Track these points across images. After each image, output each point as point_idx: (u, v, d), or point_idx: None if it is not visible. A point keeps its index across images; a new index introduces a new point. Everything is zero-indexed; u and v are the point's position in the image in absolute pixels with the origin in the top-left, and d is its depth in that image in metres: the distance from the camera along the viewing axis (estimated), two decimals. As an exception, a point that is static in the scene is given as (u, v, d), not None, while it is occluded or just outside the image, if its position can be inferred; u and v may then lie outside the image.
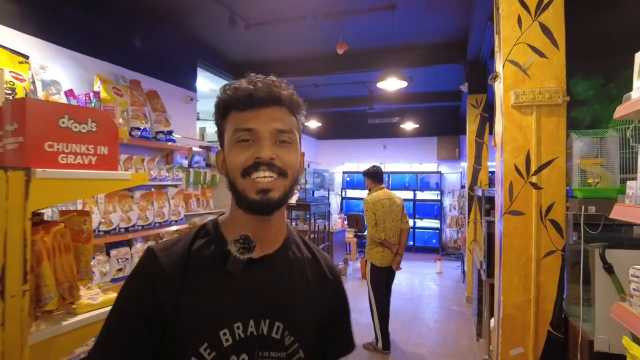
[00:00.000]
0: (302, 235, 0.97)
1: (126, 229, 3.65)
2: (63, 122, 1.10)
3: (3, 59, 2.65)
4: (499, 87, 2.21)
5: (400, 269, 4.13)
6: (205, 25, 4.92)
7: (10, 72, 2.63)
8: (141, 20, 4.47)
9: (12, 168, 0.90)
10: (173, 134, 4.35)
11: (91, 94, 3.40)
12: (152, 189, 4.07)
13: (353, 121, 10.01)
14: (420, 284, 6.89)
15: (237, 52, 5.93)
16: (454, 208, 7.98)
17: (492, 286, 3.55)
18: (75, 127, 1.13)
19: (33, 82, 2.91)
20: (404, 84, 5.02)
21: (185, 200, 4.61)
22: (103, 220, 3.43)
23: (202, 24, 4.91)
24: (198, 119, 7.99)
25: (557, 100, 1.99)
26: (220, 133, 0.85)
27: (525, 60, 2.05)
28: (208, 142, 6.25)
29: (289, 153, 0.81)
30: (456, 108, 8.64)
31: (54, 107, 1.25)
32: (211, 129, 9.19)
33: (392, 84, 4.99)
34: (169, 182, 4.31)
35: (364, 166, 10.08)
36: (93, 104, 3.36)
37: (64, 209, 2.09)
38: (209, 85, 6.90)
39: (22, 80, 2.68)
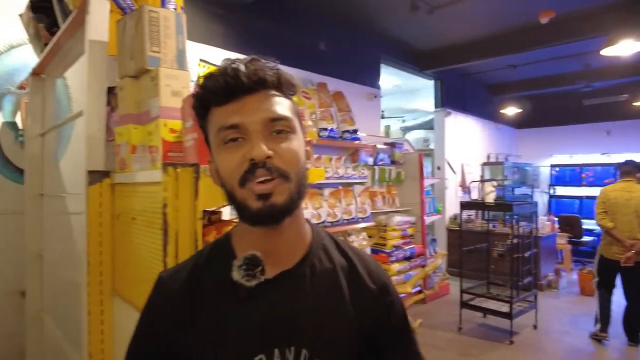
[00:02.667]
0: (336, 238, 0.80)
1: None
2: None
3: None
4: None
5: (629, 264, 3.77)
6: (386, 16, 4.78)
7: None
8: (324, 23, 4.62)
9: (181, 165, 0.86)
10: (358, 133, 4.36)
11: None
12: (340, 187, 4.15)
13: (562, 104, 8.37)
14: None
15: (420, 41, 5.62)
16: None
17: None
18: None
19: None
20: (642, 45, 3.83)
21: (371, 198, 4.57)
22: (296, 217, 3.63)
23: (383, 16, 4.78)
24: (382, 117, 8.01)
25: None
26: (206, 137, 0.71)
27: None
28: (393, 139, 6.13)
29: (289, 145, 0.65)
30: None
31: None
32: (395, 126, 9.11)
33: (624, 48, 3.86)
34: (355, 180, 4.33)
35: (578, 158, 8.48)
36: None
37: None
38: (392, 81, 6.78)
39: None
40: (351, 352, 0.71)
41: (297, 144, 0.66)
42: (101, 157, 1.35)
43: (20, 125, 2.49)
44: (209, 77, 0.66)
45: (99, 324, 1.29)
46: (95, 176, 1.31)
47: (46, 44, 1.93)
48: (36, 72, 2.18)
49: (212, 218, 1.07)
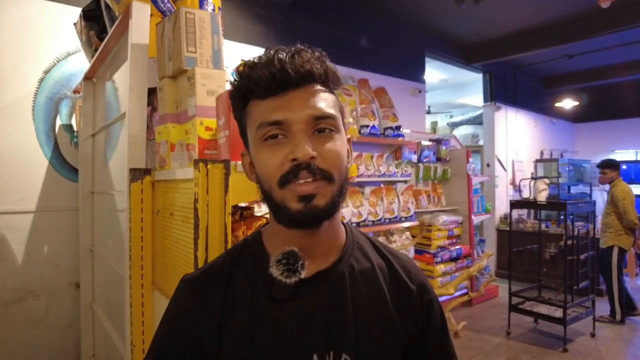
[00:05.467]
0: (370, 237, 0.76)
1: (357, 224, 3.76)
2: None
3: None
4: None
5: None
6: (430, 8, 4.64)
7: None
8: (366, 18, 4.56)
9: (212, 161, 0.87)
10: (401, 129, 4.27)
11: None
12: (382, 185, 4.08)
13: (626, 95, 7.72)
14: None
15: (467, 33, 5.40)
16: None
17: None
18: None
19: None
20: None
21: (415, 197, 4.47)
22: (337, 215, 3.62)
23: (426, 9, 4.64)
24: (428, 112, 7.80)
25: None
26: (242, 129, 0.67)
27: None
28: (439, 135, 5.94)
29: (333, 145, 0.61)
30: None
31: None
32: (443, 122, 8.84)
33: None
34: (398, 178, 4.24)
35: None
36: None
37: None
38: (439, 75, 6.59)
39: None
40: (394, 355, 0.68)
41: (340, 143, 0.63)
42: (142, 156, 1.40)
43: (75, 127, 2.65)
44: (251, 66, 0.62)
45: (139, 316, 1.34)
46: (137, 174, 1.36)
47: (96, 50, 2.04)
48: (88, 77, 2.31)
49: (244, 214, 1.07)
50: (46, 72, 2.55)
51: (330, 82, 0.64)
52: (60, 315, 2.58)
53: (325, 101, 0.62)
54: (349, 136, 0.69)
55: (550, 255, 4.49)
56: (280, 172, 0.59)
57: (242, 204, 1.08)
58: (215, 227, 0.86)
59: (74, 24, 2.26)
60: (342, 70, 3.87)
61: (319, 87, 0.62)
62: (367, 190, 3.92)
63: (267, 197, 0.63)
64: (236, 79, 0.65)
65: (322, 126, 0.61)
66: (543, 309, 3.92)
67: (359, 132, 3.89)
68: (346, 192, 0.64)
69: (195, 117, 1.22)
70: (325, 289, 0.65)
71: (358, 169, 3.85)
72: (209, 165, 0.88)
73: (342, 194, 0.63)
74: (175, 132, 1.34)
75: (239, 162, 0.93)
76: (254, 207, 1.13)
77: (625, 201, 4.41)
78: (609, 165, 4.69)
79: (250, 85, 0.62)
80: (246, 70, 0.63)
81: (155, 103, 1.62)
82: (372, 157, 4.04)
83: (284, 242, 0.65)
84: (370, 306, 0.67)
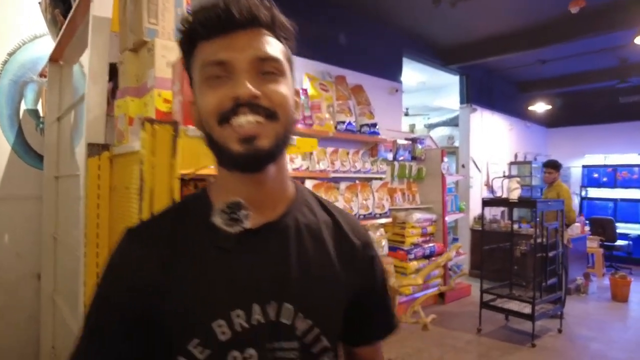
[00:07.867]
0: (319, 196, 0.77)
1: (333, 220, 3.76)
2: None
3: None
4: None
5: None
6: (407, 9, 4.70)
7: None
8: (346, 16, 4.59)
9: (159, 122, 0.85)
10: (377, 127, 4.30)
11: (300, 91, 3.63)
12: (357, 181, 4.10)
13: (596, 101, 8.00)
14: None
15: (444, 36, 5.50)
16: None
17: None
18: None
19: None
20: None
21: (390, 194, 4.50)
22: (312, 210, 3.61)
23: (404, 9, 4.70)
24: (406, 114, 7.89)
25: None
26: (191, 78, 0.66)
27: None
28: (415, 135, 6.01)
29: (278, 87, 0.61)
30: None
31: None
32: (420, 124, 8.95)
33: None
34: (373, 175, 4.26)
35: (613, 158, 8.10)
36: (302, 101, 3.59)
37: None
38: (417, 77, 6.67)
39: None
40: (337, 306, 0.69)
41: (286, 87, 0.63)
42: (101, 130, 1.37)
43: (41, 112, 2.57)
44: (199, 10, 0.62)
45: (94, 295, 1.30)
46: (94, 149, 1.32)
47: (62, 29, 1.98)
48: (54, 59, 2.24)
49: (198, 185, 1.06)
50: (10, 54, 2.47)
51: (277, 29, 0.64)
52: (22, 308, 2.49)
53: (270, 45, 0.62)
54: (298, 88, 0.70)
55: (520, 252, 4.58)
56: (219, 110, 0.59)
57: (197, 174, 1.06)
58: (162, 191, 0.84)
59: (39, 2, 2.20)
60: (320, 67, 3.86)
61: (265, 32, 0.63)
62: (343, 185, 3.93)
63: (209, 140, 0.63)
64: (183, 24, 0.64)
65: (267, 69, 0.61)
66: (513, 305, 4.00)
67: (336, 127, 3.91)
68: (290, 139, 0.64)
69: (154, 89, 1.20)
70: (271, 240, 0.66)
71: (334, 164, 3.86)
72: (155, 126, 0.86)
73: (286, 137, 0.63)
74: (134, 105, 1.31)
75: (191, 127, 0.92)
76: (208, 180, 1.11)
77: (571, 200, 4.83)
78: (554, 166, 4.96)
79: (196, 27, 0.62)
80: (193, 14, 0.63)
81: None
82: (348, 153, 4.05)
83: (229, 191, 0.65)
84: (314, 259, 0.68)
